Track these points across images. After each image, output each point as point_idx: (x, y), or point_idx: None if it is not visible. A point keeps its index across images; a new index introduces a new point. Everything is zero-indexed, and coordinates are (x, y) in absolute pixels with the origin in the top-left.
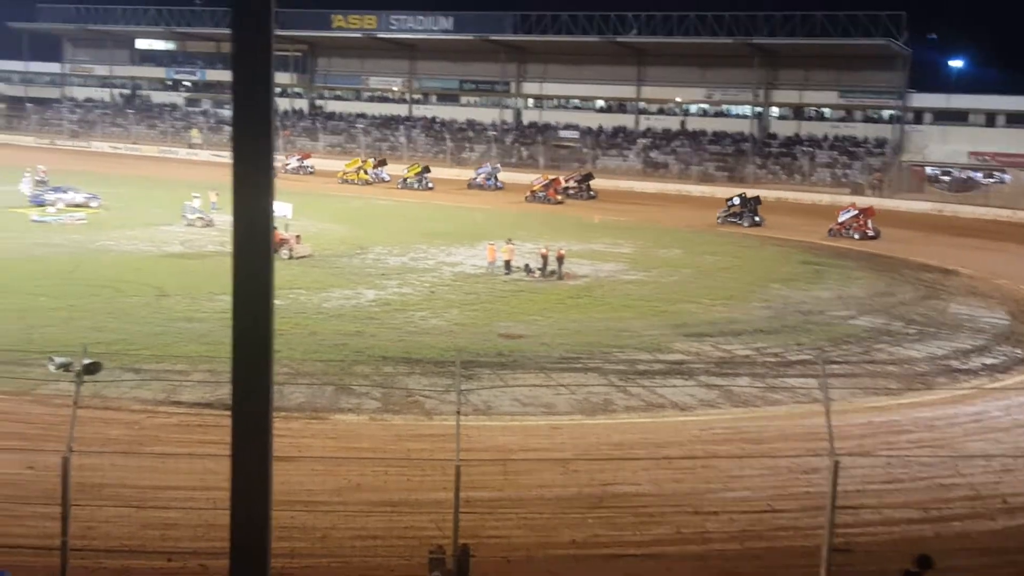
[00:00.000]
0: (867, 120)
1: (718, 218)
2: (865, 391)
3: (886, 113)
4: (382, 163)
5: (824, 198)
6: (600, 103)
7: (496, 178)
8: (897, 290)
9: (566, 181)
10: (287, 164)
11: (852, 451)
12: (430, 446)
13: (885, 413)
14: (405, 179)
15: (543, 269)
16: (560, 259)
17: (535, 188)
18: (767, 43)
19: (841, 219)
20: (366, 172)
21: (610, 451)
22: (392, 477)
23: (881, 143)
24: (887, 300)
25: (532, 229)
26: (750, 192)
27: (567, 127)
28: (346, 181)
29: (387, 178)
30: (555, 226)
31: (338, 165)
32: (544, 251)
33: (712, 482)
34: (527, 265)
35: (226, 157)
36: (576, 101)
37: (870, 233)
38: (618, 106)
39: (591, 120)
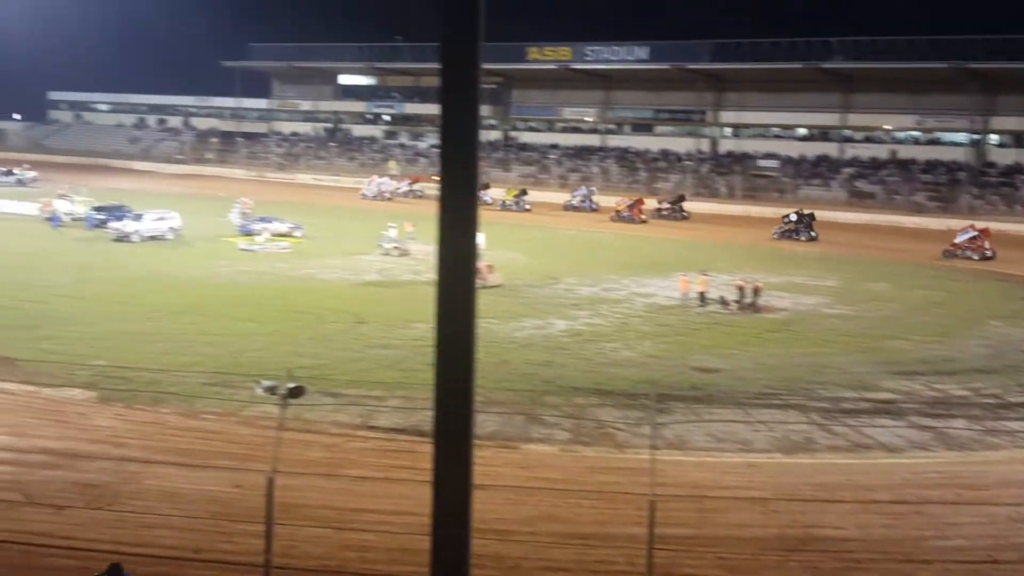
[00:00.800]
0: None
1: (773, 234)
2: None
3: None
4: (485, 187)
5: None
6: (802, 131)
7: (591, 200)
8: None
9: (660, 203)
10: (398, 188)
11: None
12: (622, 479)
13: None
14: (504, 201)
15: (739, 301)
16: (756, 291)
17: (619, 208)
18: (985, 68)
19: (958, 240)
20: None
21: (812, 492)
22: (584, 509)
23: None
24: None
25: (728, 260)
26: (805, 209)
27: (766, 156)
28: None
29: (489, 200)
30: (752, 257)
31: (536, 196)
32: (740, 283)
33: (924, 529)
34: (722, 297)
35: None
36: (776, 129)
37: (988, 254)
38: (821, 134)
39: (792, 149)
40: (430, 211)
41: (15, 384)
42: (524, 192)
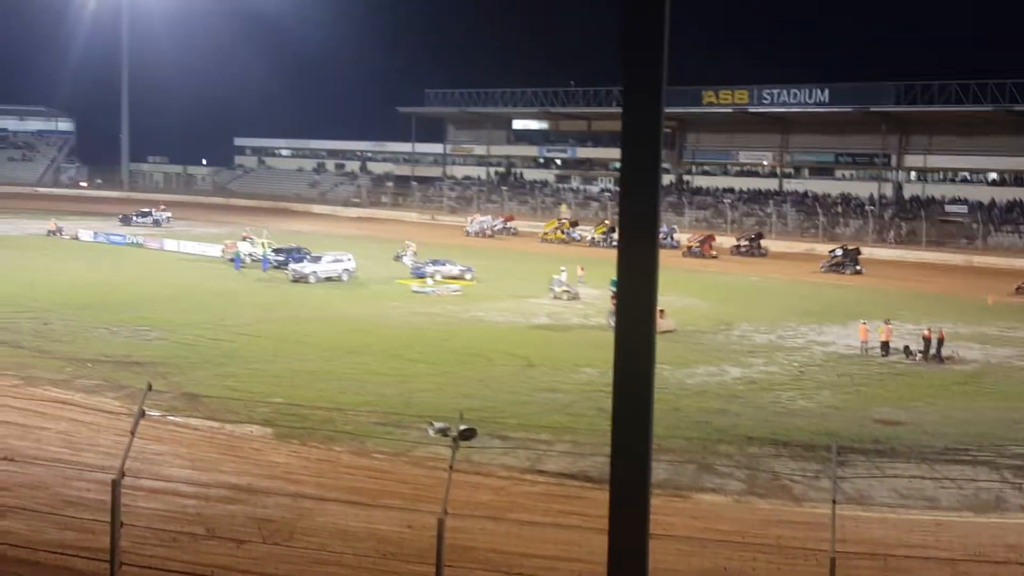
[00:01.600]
0: None
1: (822, 267)
2: None
3: None
4: (574, 224)
5: None
6: (992, 176)
7: (672, 237)
8: None
9: (738, 239)
10: (495, 225)
11: None
12: (799, 534)
13: None
14: (593, 238)
15: (925, 352)
16: (940, 341)
17: (691, 244)
18: None
19: None
20: (563, 232)
21: (1004, 554)
22: (759, 564)
23: None
24: None
25: (914, 309)
26: (850, 245)
27: (953, 201)
28: (546, 240)
29: (578, 237)
30: (938, 307)
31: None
32: (927, 332)
33: None
34: (907, 347)
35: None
36: (965, 174)
37: None
38: (1014, 178)
39: (982, 194)
40: (601, 255)
41: (199, 419)
42: (613, 229)
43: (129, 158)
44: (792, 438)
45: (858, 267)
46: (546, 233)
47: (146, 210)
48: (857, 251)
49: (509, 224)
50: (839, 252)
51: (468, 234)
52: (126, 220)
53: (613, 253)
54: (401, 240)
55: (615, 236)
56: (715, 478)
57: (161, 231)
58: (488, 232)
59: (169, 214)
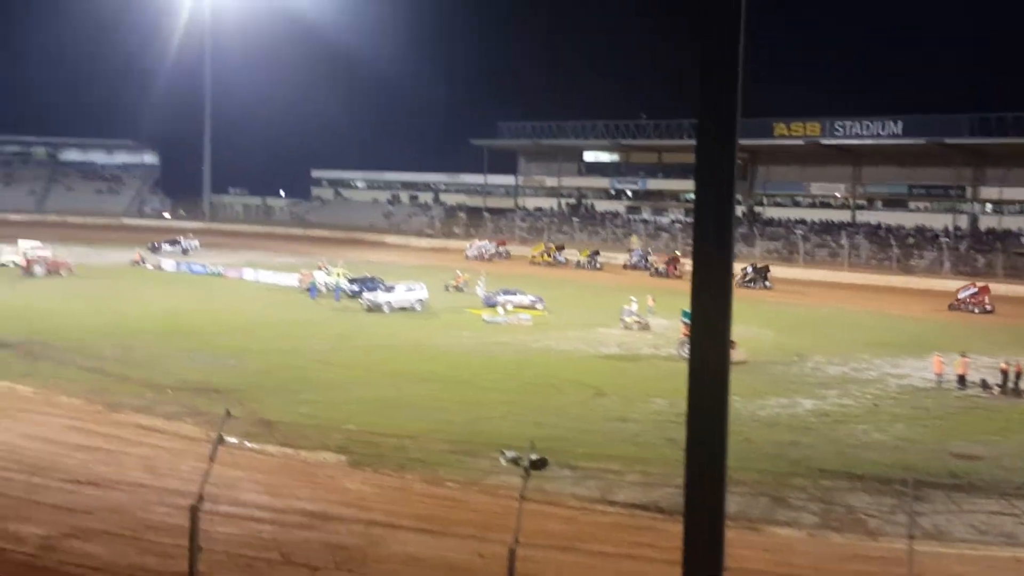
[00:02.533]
0: None
1: (736, 283)
2: None
3: None
4: (560, 248)
5: None
6: None
7: (646, 260)
8: None
9: (683, 257)
10: (490, 250)
11: None
12: (876, 569)
13: None
14: (579, 261)
15: (1003, 385)
16: (1019, 374)
17: (657, 264)
18: None
19: (961, 296)
20: (550, 255)
21: None
22: None
23: None
24: None
25: (989, 341)
26: (759, 263)
27: None
28: (534, 263)
29: (564, 260)
30: (1015, 340)
31: (780, 272)
32: (1004, 366)
33: None
34: (984, 380)
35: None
36: None
37: (988, 308)
38: None
39: None
40: (674, 285)
41: (275, 446)
42: (597, 252)
43: (211, 190)
44: (866, 471)
45: (767, 283)
46: (534, 256)
47: (175, 238)
48: (767, 268)
49: (501, 248)
50: (750, 270)
51: (467, 257)
52: (155, 248)
53: (591, 275)
54: (452, 269)
55: (599, 259)
56: (788, 511)
57: (182, 255)
58: (485, 256)
59: (196, 242)
